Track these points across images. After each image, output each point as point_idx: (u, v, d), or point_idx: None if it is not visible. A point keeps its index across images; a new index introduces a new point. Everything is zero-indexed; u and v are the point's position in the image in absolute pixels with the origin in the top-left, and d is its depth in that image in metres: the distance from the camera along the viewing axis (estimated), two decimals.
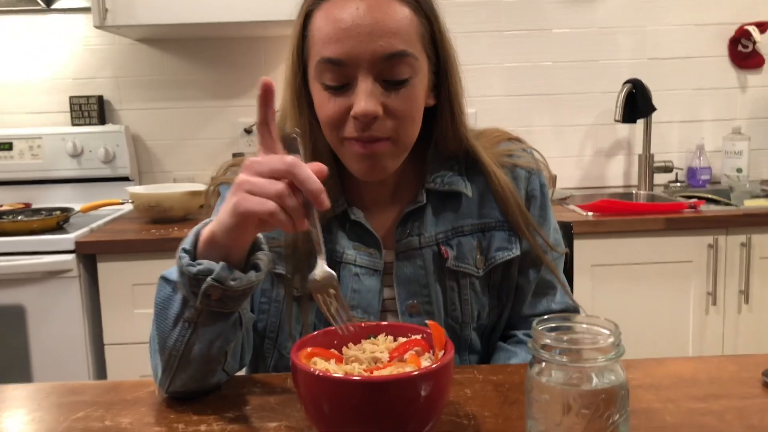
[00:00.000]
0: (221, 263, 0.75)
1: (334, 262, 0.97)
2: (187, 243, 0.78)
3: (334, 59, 0.86)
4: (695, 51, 2.66)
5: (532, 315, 1.04)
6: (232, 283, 0.75)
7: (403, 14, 0.88)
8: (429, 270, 0.99)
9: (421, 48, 0.90)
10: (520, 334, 1.05)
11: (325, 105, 0.90)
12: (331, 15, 0.87)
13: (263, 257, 0.80)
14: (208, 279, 0.74)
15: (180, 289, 0.79)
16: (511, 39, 2.55)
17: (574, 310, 1.08)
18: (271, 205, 0.70)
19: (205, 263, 0.75)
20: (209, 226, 0.78)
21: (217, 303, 0.77)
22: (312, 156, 0.94)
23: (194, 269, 0.75)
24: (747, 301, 2.11)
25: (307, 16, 0.91)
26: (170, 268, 0.82)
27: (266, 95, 0.75)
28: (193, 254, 0.78)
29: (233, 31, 2.50)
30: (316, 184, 0.70)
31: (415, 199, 1.00)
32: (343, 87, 0.88)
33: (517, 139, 1.08)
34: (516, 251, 1.02)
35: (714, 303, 2.11)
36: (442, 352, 0.72)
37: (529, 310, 1.06)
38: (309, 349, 0.74)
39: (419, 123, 0.94)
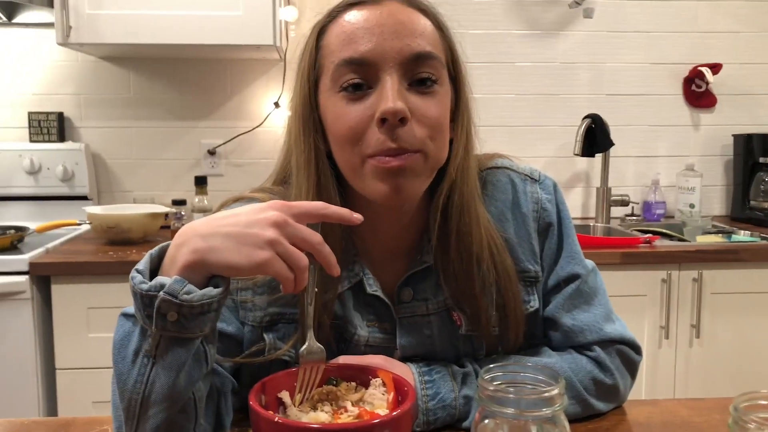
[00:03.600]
0: (174, 277, 0.69)
1: (344, 339, 0.90)
2: (141, 264, 0.73)
3: (357, 58, 0.80)
4: (651, 89, 2.74)
5: (573, 326, 0.94)
6: (186, 296, 0.68)
7: (427, 23, 0.84)
8: (438, 339, 0.92)
9: (444, 64, 0.84)
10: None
11: (344, 115, 0.81)
12: (350, 22, 0.82)
13: (223, 277, 0.73)
14: (160, 293, 0.68)
15: (138, 318, 0.72)
16: (474, 70, 2.55)
17: (633, 343, 0.96)
18: (292, 276, 0.70)
19: (157, 279, 0.69)
20: (186, 254, 0.70)
21: (175, 325, 0.69)
22: (315, 188, 0.86)
23: (146, 285, 0.69)
24: (698, 335, 2.17)
25: (321, 31, 0.86)
26: (130, 306, 0.76)
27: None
28: (148, 277, 0.72)
29: (199, 53, 2.49)
30: (336, 268, 0.73)
31: (420, 257, 0.91)
32: (364, 90, 0.81)
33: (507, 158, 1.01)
34: (535, 303, 0.94)
35: (667, 337, 2.16)
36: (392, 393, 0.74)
37: (569, 321, 0.95)
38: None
39: (446, 142, 0.85)
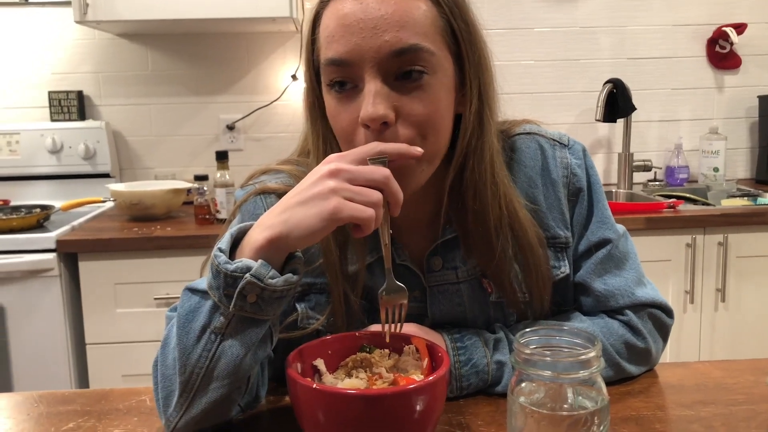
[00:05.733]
0: (260, 261, 0.71)
1: (374, 309, 0.88)
2: (223, 243, 0.74)
3: (337, 59, 0.78)
4: (673, 51, 2.69)
5: (605, 291, 0.93)
6: (271, 281, 0.70)
7: (416, 6, 0.77)
8: (469, 306, 0.92)
9: (442, 43, 0.80)
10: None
11: (336, 116, 0.81)
12: (336, 12, 0.79)
13: (299, 263, 0.75)
14: (246, 275, 0.69)
15: (211, 295, 0.72)
16: (493, 37, 2.52)
17: (665, 306, 0.96)
18: (371, 212, 0.70)
19: (243, 260, 0.71)
20: (263, 231, 0.71)
21: (252, 306, 0.71)
22: None
23: (231, 266, 0.70)
24: (723, 299, 2.16)
25: (315, 18, 0.83)
26: (195, 281, 0.77)
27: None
28: (229, 256, 0.74)
29: (216, 27, 2.48)
30: (402, 200, 0.73)
31: (449, 227, 0.91)
32: (350, 90, 0.79)
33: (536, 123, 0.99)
34: (565, 269, 0.94)
35: (692, 301, 2.15)
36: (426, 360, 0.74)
37: (601, 286, 0.94)
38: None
39: (446, 131, 0.83)
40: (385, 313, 0.78)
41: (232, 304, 0.71)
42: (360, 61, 0.77)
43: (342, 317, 0.89)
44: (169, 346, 0.76)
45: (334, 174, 0.71)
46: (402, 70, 0.77)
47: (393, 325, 0.78)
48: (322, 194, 0.70)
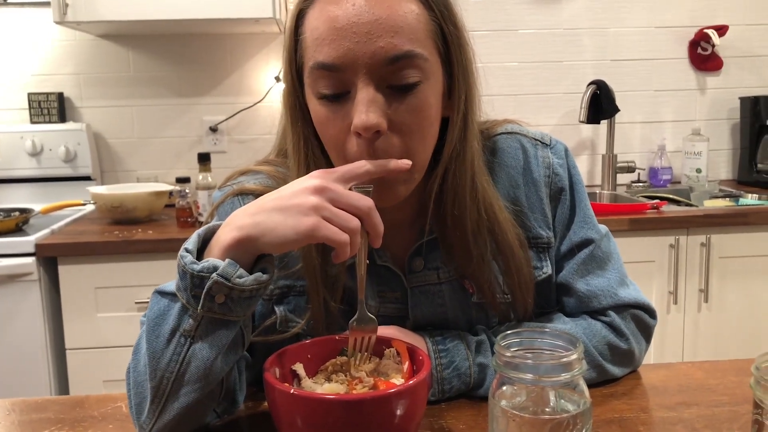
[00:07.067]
0: (227, 260, 0.69)
1: (354, 311, 0.82)
2: (190, 243, 0.72)
3: (328, 64, 0.75)
4: (656, 53, 2.70)
5: (587, 291, 0.93)
6: (239, 280, 0.68)
7: (409, 9, 0.75)
8: (450, 307, 0.92)
9: (433, 48, 0.78)
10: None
11: (324, 123, 0.79)
12: (325, 13, 0.75)
13: (270, 262, 0.73)
14: (213, 275, 0.68)
15: (179, 297, 0.71)
16: (476, 39, 2.55)
17: (647, 307, 0.95)
18: (345, 237, 0.68)
19: (210, 260, 0.69)
20: (231, 231, 0.70)
21: (221, 307, 0.69)
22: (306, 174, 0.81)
23: (198, 266, 0.69)
24: (707, 300, 2.16)
25: (299, 16, 0.79)
26: (165, 283, 0.76)
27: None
28: (196, 256, 0.72)
29: (198, 28, 2.46)
30: (380, 240, 0.73)
31: (428, 229, 0.89)
32: (340, 96, 0.76)
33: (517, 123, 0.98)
34: (548, 269, 0.93)
35: (675, 302, 2.16)
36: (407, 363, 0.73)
37: (583, 286, 0.93)
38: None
39: (433, 137, 0.82)
40: (354, 342, 0.76)
41: (200, 305, 0.69)
42: (352, 68, 0.74)
43: (322, 324, 0.87)
44: (140, 352, 0.74)
45: (319, 191, 0.69)
46: (397, 78, 0.75)
47: (360, 355, 0.77)
48: (302, 208, 0.69)
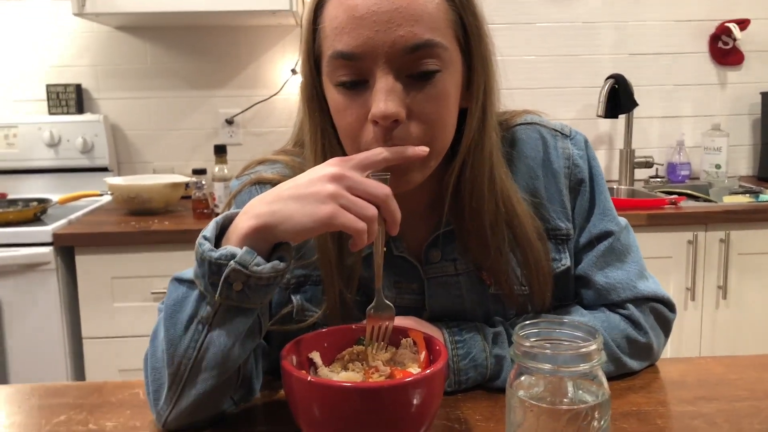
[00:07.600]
0: (245, 248, 0.69)
1: (371, 302, 0.82)
2: (207, 231, 0.72)
3: (347, 53, 0.74)
4: (676, 47, 2.67)
5: (606, 284, 0.92)
6: (256, 268, 0.68)
7: None
8: (468, 299, 0.91)
9: (452, 37, 0.77)
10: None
11: (342, 111, 0.78)
12: (345, 2, 0.75)
13: (287, 250, 0.73)
14: (231, 263, 0.68)
15: (197, 284, 0.71)
16: (494, 32, 2.53)
17: (667, 300, 0.94)
18: (363, 225, 0.68)
19: (227, 248, 0.69)
20: (249, 220, 0.70)
21: (239, 295, 0.70)
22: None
23: (216, 254, 0.69)
24: (725, 296, 2.14)
25: (318, 7, 0.79)
26: (182, 271, 0.76)
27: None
28: (214, 244, 0.72)
29: (216, 20, 2.46)
30: (397, 227, 0.72)
31: (445, 219, 0.88)
32: (359, 85, 0.76)
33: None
34: (566, 261, 0.92)
35: (693, 298, 2.13)
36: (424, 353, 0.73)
37: (602, 279, 0.92)
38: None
39: (452, 127, 0.81)
40: (371, 330, 0.76)
41: (218, 292, 0.69)
42: (372, 56, 0.74)
43: (337, 315, 0.87)
44: (158, 339, 0.75)
45: (336, 179, 0.69)
46: (416, 66, 0.75)
47: (377, 344, 0.77)
48: (319, 196, 0.68)
